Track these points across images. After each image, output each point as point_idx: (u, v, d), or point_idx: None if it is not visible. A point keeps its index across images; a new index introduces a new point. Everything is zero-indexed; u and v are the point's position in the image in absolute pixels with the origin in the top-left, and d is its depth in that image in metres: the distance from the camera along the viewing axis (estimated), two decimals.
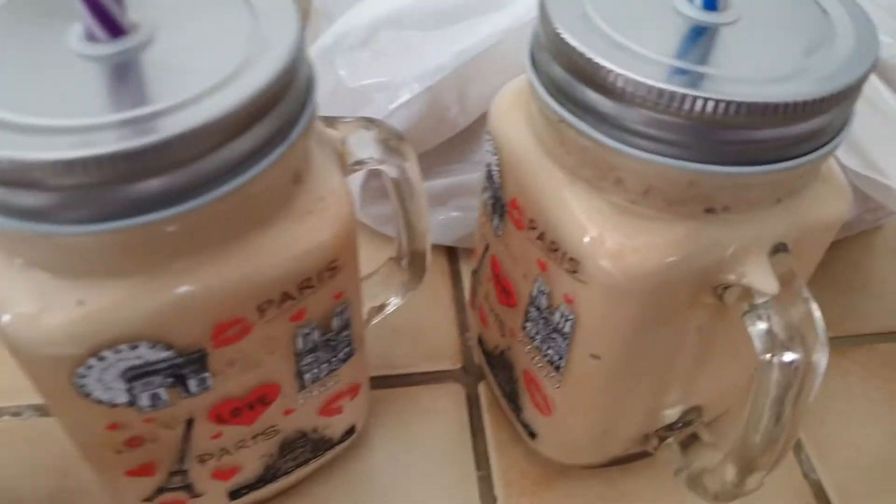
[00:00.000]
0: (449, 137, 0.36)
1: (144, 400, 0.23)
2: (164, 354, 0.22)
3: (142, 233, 0.20)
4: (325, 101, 0.32)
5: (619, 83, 0.21)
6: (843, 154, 0.33)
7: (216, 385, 0.24)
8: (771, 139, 0.21)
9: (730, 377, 0.31)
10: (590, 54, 0.21)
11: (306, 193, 0.23)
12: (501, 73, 0.29)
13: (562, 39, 0.22)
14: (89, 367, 0.21)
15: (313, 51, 0.38)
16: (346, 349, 0.28)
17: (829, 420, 0.37)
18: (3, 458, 0.33)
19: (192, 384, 0.24)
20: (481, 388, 0.37)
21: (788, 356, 0.23)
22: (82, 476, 0.32)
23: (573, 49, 0.22)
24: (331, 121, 0.27)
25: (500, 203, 0.28)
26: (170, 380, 0.23)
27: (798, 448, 0.35)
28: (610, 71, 0.21)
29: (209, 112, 0.18)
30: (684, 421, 0.32)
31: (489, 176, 0.29)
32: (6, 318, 0.20)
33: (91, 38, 0.20)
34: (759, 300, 0.24)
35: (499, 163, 0.28)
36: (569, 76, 0.22)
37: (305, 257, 0.23)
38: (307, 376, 0.27)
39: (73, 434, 0.25)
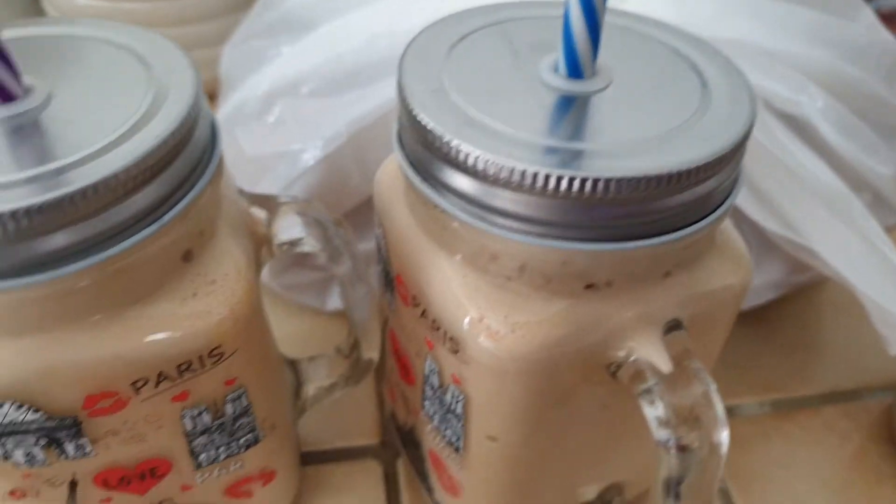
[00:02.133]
0: (355, 205, 0.35)
1: (19, 457, 0.23)
2: (33, 417, 0.22)
3: (13, 295, 0.19)
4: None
5: (474, 163, 0.20)
6: (763, 217, 0.32)
7: (98, 452, 0.24)
8: (644, 213, 0.20)
9: (649, 451, 0.29)
10: (442, 132, 0.20)
11: (197, 274, 0.23)
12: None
13: (414, 117, 0.21)
14: None
15: None
16: (248, 436, 0.27)
17: (772, 490, 0.35)
18: None
19: (70, 448, 0.23)
20: (399, 465, 0.35)
21: (684, 440, 0.22)
22: None
23: (425, 127, 0.21)
24: (265, 199, 0.27)
25: (390, 277, 0.27)
26: (43, 441, 0.22)
27: None
28: (464, 152, 0.20)
29: (77, 179, 0.18)
30: (603, 500, 0.30)
31: (378, 248, 0.28)
32: None
33: None
34: (652, 381, 0.22)
35: (384, 236, 0.26)
36: (429, 155, 0.21)
37: (183, 341, 0.22)
38: (202, 457, 0.26)
39: None
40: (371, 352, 0.32)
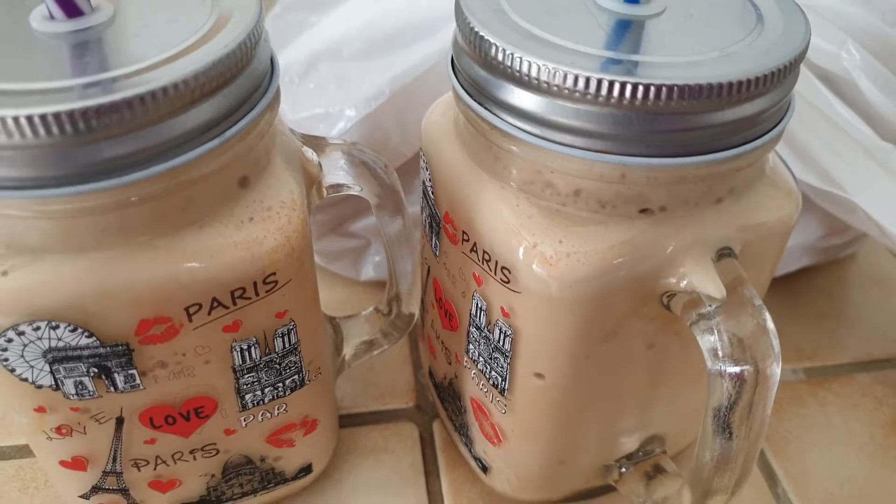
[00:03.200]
0: (396, 168, 0.35)
1: (69, 386, 0.23)
2: (86, 341, 0.22)
3: (72, 204, 0.19)
4: None
5: (537, 74, 0.20)
6: (802, 171, 0.32)
7: (146, 385, 0.24)
8: (699, 127, 0.20)
9: (690, 404, 0.29)
10: (504, 45, 0.20)
11: (253, 200, 0.23)
12: (438, 98, 0.28)
13: (477, 35, 0.21)
14: (9, 341, 0.21)
15: None
16: (295, 377, 0.27)
17: (808, 453, 0.35)
18: None
19: (119, 379, 0.23)
20: (435, 427, 0.35)
21: (737, 367, 0.22)
22: None
23: (487, 42, 0.21)
24: (315, 140, 0.27)
25: (436, 220, 0.27)
26: (94, 370, 0.22)
27: (774, 482, 0.33)
28: (527, 62, 0.20)
29: (146, 84, 0.18)
30: (644, 451, 0.30)
31: (424, 193, 0.28)
32: None
33: (51, 17, 0.21)
34: (706, 307, 0.22)
35: (431, 177, 0.26)
36: (488, 74, 0.22)
37: (238, 265, 0.22)
38: (248, 397, 0.26)
39: (12, 413, 0.24)
40: (412, 307, 0.32)
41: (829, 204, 0.33)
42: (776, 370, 0.22)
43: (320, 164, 0.26)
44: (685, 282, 0.22)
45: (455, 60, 0.24)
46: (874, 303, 0.42)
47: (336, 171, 0.27)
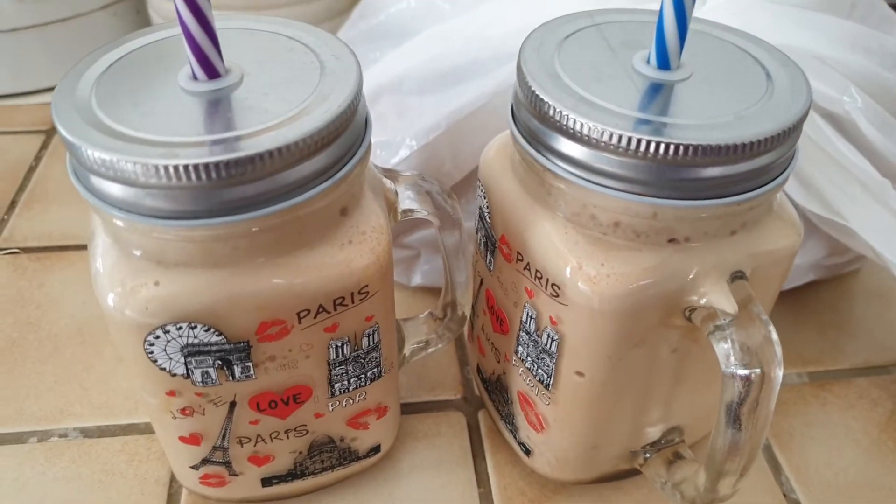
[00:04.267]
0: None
1: (197, 375, 0.28)
2: (216, 339, 0.27)
3: (213, 235, 0.24)
4: None
5: (584, 131, 0.25)
6: (806, 200, 0.37)
7: (258, 375, 0.28)
8: (718, 177, 0.25)
9: (706, 401, 0.34)
10: (561, 108, 0.25)
11: (350, 226, 0.28)
12: (489, 131, 0.33)
13: (536, 95, 0.26)
14: (156, 337, 0.26)
15: None
16: (374, 370, 0.32)
17: (809, 446, 0.39)
18: (51, 474, 0.36)
19: (237, 370, 0.28)
20: (481, 416, 0.40)
21: (747, 370, 0.26)
22: (122, 489, 0.36)
23: (545, 103, 0.26)
24: (391, 172, 0.32)
25: (492, 241, 0.32)
26: (219, 362, 0.27)
27: (778, 471, 0.38)
28: (579, 122, 0.25)
29: (277, 140, 0.23)
30: (666, 440, 0.34)
31: (481, 217, 0.33)
32: (110, 294, 0.26)
33: (194, 78, 0.26)
34: (722, 320, 0.27)
35: (488, 205, 0.31)
36: (543, 126, 0.26)
37: (341, 278, 0.27)
38: (337, 386, 0.31)
39: (143, 396, 0.29)
40: (465, 311, 0.37)
41: (830, 229, 0.37)
42: (779, 373, 0.27)
43: (396, 193, 0.31)
44: (704, 299, 0.27)
45: (514, 111, 0.29)
46: (874, 315, 0.47)
47: (407, 200, 0.32)
